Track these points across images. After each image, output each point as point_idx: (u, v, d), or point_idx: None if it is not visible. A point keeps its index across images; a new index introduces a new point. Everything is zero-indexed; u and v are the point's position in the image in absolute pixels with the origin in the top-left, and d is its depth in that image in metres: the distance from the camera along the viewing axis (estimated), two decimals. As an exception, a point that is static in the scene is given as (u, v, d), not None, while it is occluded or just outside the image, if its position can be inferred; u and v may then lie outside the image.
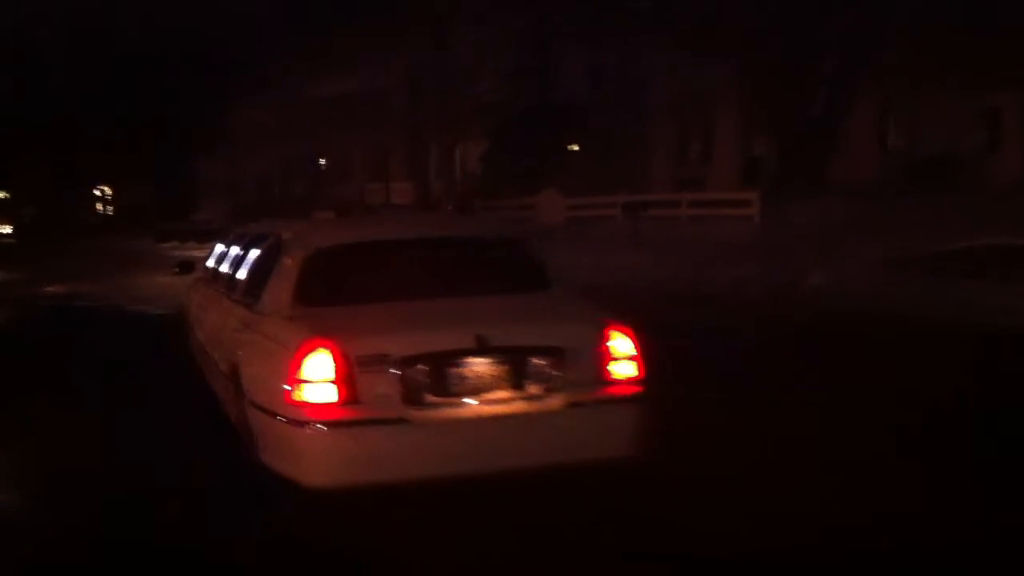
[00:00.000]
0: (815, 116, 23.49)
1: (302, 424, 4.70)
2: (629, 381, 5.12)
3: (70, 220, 51.00)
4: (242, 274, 6.53)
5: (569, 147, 33.44)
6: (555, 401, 4.92)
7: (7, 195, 62.63)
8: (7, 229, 55.19)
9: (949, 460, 5.88)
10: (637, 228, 21.59)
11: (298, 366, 4.69)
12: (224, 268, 7.23)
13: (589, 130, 32.94)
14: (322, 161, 46.93)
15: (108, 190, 59.01)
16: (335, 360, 4.67)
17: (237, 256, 6.93)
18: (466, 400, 4.83)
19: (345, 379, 4.67)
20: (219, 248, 7.89)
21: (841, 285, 13.60)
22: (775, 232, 20.53)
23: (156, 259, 27.93)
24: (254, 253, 6.45)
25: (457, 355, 4.82)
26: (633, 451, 5.03)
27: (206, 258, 8.33)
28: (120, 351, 10.10)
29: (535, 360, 4.92)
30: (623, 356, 5.09)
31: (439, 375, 4.77)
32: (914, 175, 23.67)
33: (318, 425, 4.68)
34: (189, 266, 8.34)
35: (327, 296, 5.32)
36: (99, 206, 59.51)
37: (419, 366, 4.74)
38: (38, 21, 47.37)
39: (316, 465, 4.78)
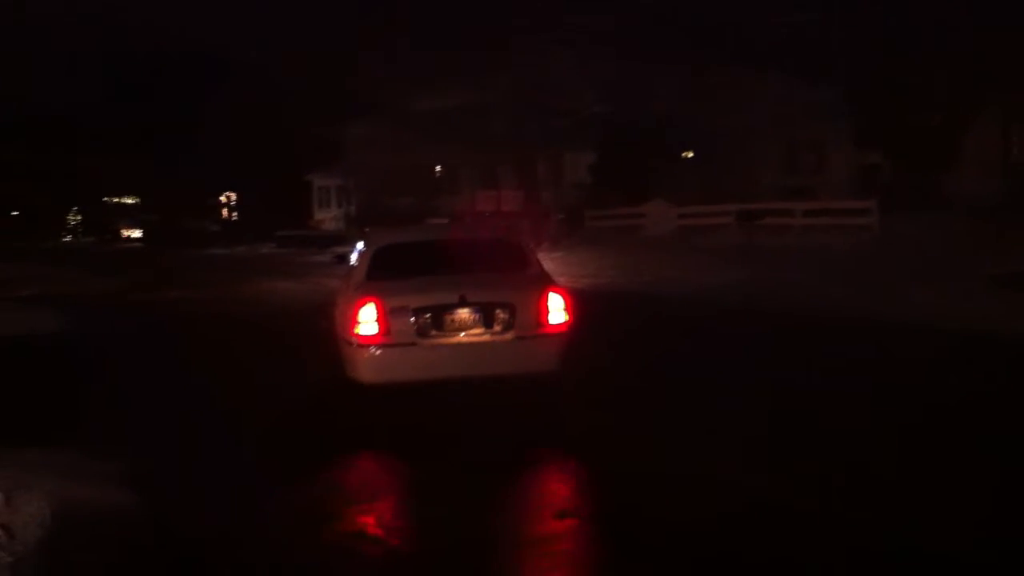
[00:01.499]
0: (932, 128, 23.24)
1: (360, 347, 7.90)
2: (559, 324, 8.04)
3: (194, 225, 53.05)
4: (351, 262, 9.91)
5: (681, 156, 33.63)
6: (508, 336, 7.93)
7: (136, 200, 65.55)
8: (137, 233, 57.88)
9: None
10: (751, 238, 21.62)
11: (357, 313, 7.91)
12: (349, 259, 10.43)
13: (697, 140, 33.12)
14: (438, 168, 48.03)
15: (233, 196, 61.01)
16: (376, 310, 7.85)
17: (353, 251, 10.23)
18: (454, 334, 7.91)
19: (382, 321, 7.83)
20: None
21: (948, 302, 13.48)
22: (891, 244, 20.40)
23: (276, 265, 29.07)
24: (358, 248, 9.74)
25: (448, 307, 7.89)
26: (557, 368, 7.95)
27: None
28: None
29: (497, 311, 7.93)
30: (557, 308, 8.04)
31: (437, 319, 7.88)
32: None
33: (367, 348, 7.88)
34: (344, 258, 10.51)
35: (382, 274, 8.43)
36: (224, 212, 61.62)
37: (425, 314, 7.86)
38: (162, 35, 49.36)
39: (367, 371, 7.96)
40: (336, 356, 8.45)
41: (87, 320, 14.85)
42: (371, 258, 8.72)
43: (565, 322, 8.03)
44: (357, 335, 7.86)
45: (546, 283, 8.37)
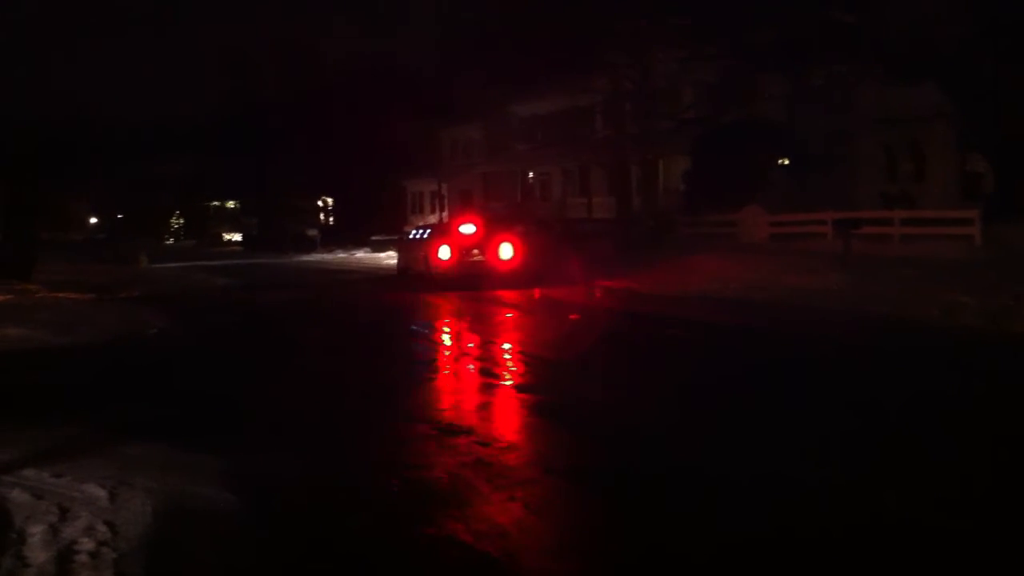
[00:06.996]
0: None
1: (438, 261, 22.69)
2: (514, 255, 22.61)
3: (293, 230, 54.27)
4: (424, 234, 25.42)
5: (775, 162, 33.07)
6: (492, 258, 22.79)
7: (236, 204, 67.35)
8: (237, 237, 59.48)
9: None
10: (848, 247, 21.13)
11: (440, 248, 22.72)
12: (421, 233, 25.89)
13: (793, 146, 32.54)
14: (531, 175, 48.17)
15: (330, 201, 62.20)
16: (450, 248, 22.54)
17: (426, 228, 26.48)
18: (473, 257, 22.49)
19: (453, 253, 22.46)
20: (415, 229, 27.40)
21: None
22: (996, 254, 19.80)
23: (373, 270, 29.57)
24: (423, 229, 26.52)
25: (472, 248, 22.52)
26: (514, 268, 22.53)
27: (410, 231, 28.73)
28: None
29: (488, 249, 22.54)
30: (509, 249, 22.58)
31: (468, 252, 22.43)
32: None
33: (442, 262, 22.62)
34: (422, 234, 24.97)
35: (451, 236, 23.08)
36: (321, 216, 62.92)
37: (462, 250, 22.36)
38: (257, 42, 50.49)
39: (441, 272, 22.54)
40: (421, 275, 23.21)
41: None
42: (447, 228, 23.52)
43: (515, 254, 22.04)
44: (438, 257, 22.17)
45: (507, 240, 22.36)
